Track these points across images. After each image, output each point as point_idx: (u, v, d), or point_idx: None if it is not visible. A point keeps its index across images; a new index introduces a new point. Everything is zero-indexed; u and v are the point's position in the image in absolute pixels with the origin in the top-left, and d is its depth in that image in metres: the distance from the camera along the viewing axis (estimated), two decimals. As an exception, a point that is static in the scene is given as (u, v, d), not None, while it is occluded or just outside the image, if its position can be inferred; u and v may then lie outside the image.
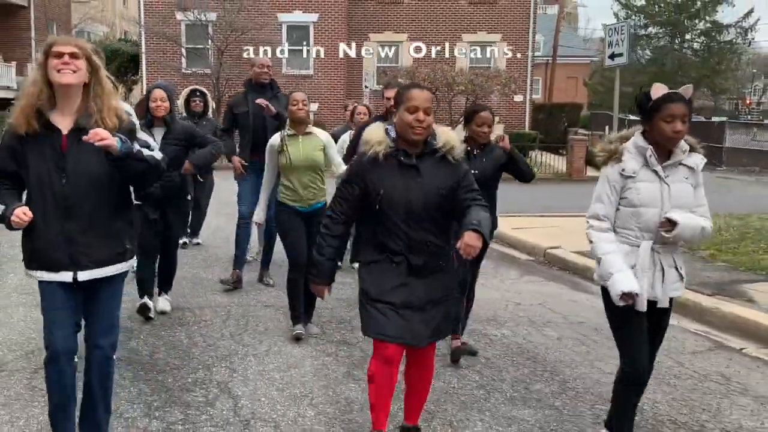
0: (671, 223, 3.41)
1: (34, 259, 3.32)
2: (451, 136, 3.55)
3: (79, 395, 3.49)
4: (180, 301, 6.45)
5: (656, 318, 3.59)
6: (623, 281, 3.39)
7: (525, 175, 5.44)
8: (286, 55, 25.25)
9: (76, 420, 3.49)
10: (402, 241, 3.49)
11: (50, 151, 3.24)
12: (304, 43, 25.76)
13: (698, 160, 3.54)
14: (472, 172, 4.51)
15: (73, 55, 3.20)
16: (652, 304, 3.52)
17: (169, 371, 4.83)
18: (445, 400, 4.49)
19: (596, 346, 5.70)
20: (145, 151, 3.32)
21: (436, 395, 4.45)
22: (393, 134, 3.52)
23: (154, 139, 5.13)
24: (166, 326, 5.80)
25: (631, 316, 3.50)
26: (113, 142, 3.08)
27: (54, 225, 3.24)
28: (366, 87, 22.41)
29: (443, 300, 3.60)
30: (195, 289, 7.00)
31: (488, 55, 27.31)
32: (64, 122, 3.27)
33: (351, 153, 6.03)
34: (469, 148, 5.05)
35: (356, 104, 8.58)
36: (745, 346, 5.92)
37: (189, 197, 6.19)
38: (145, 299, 5.91)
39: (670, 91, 3.42)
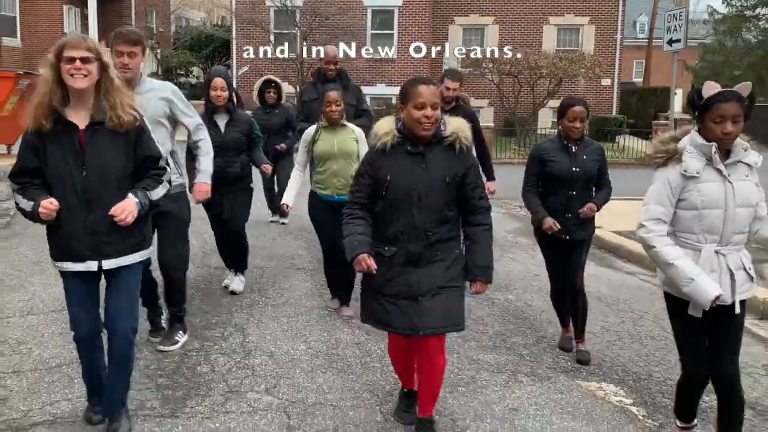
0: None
1: (60, 251, 3.52)
2: (459, 125, 3.62)
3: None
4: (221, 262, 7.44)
5: (726, 321, 3.50)
6: (711, 287, 3.31)
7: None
8: (370, 39, 26.17)
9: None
10: (404, 228, 3.56)
11: (69, 147, 3.40)
12: (389, 27, 26.57)
13: (756, 158, 3.46)
14: (574, 170, 4.89)
15: (84, 60, 3.36)
16: (720, 308, 3.43)
17: (199, 314, 5.76)
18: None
19: (591, 312, 6.27)
20: (157, 192, 3.60)
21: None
22: (400, 125, 3.61)
23: (216, 125, 5.90)
24: (207, 280, 6.76)
25: (694, 321, 3.48)
26: (132, 217, 3.42)
27: (77, 217, 3.43)
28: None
29: (443, 291, 3.59)
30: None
31: (576, 38, 27.39)
32: (79, 118, 3.43)
33: None
34: (566, 143, 5.00)
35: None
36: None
37: (251, 184, 6.41)
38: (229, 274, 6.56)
39: (724, 89, 3.34)
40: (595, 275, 7.68)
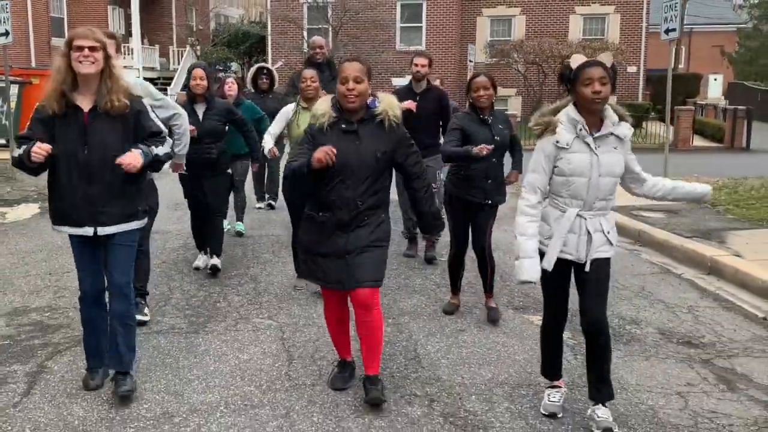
0: None
1: (59, 217, 4.03)
2: (390, 102, 3.95)
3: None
4: (251, 231, 8.72)
5: (584, 276, 3.82)
6: (523, 272, 3.75)
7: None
8: (399, 33, 27.36)
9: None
10: (337, 197, 3.89)
11: (75, 127, 3.87)
12: (417, 20, 27.68)
13: (626, 130, 3.74)
14: (495, 139, 5.34)
15: (92, 48, 3.79)
16: (578, 265, 3.84)
17: (223, 271, 6.99)
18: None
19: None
20: (161, 149, 4.00)
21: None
22: (335, 103, 3.97)
23: (195, 113, 6.33)
24: (230, 245, 8.03)
25: (551, 276, 3.87)
26: (138, 163, 3.84)
27: (78, 189, 3.91)
28: (470, 61, 24.02)
29: (369, 248, 3.94)
30: (260, 223, 9.27)
31: (602, 27, 28.18)
32: (84, 102, 3.89)
33: None
34: (481, 116, 5.47)
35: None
36: (685, 272, 7.41)
37: (229, 171, 6.87)
38: (199, 255, 7.11)
39: (590, 59, 3.69)
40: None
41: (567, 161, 3.69)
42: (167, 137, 4.14)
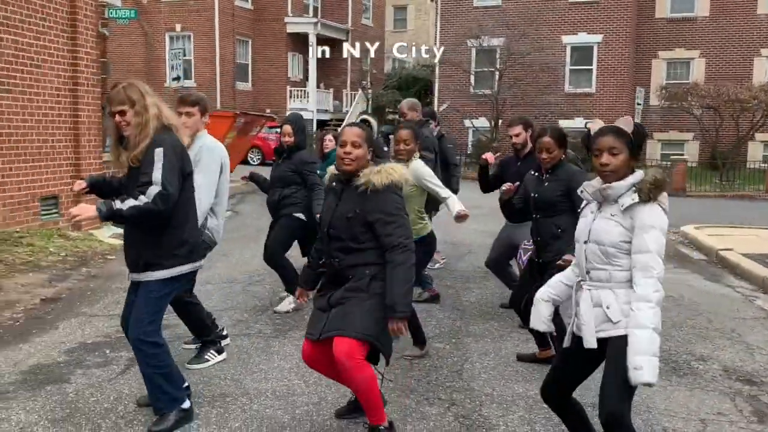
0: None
1: None
2: (371, 175, 3.98)
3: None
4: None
5: (583, 358, 3.60)
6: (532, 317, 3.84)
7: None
8: (568, 75, 27.62)
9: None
10: (324, 252, 4.19)
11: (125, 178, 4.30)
12: (587, 63, 27.77)
13: (625, 200, 3.43)
14: (533, 195, 5.31)
15: (120, 113, 4.07)
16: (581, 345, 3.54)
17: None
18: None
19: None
20: (127, 203, 3.93)
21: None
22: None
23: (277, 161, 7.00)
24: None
25: (562, 350, 3.79)
26: (85, 214, 3.99)
27: (125, 237, 4.34)
28: (638, 104, 23.80)
29: (343, 299, 3.98)
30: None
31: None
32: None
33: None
34: (537, 175, 5.46)
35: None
36: None
37: (298, 214, 7.00)
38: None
39: (605, 125, 3.56)
40: (692, 286, 8.76)
41: (577, 226, 3.69)
42: (149, 187, 4.01)
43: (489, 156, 6.02)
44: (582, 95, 27.37)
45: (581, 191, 3.61)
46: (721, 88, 24.35)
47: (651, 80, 28.24)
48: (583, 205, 3.68)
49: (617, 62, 27.48)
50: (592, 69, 27.83)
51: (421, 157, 6.09)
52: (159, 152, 4.01)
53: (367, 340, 3.91)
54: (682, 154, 26.01)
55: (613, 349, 3.38)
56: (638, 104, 24.00)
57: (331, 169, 4.30)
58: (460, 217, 5.80)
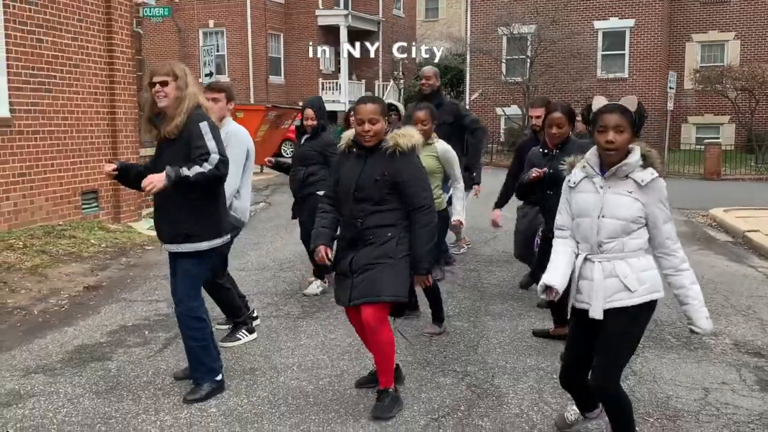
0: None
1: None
2: (398, 138, 4.29)
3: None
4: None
5: (595, 330, 3.65)
6: (545, 275, 3.71)
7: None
8: (600, 61, 27.59)
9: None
10: (345, 216, 4.40)
11: (157, 152, 4.58)
12: (620, 48, 27.71)
13: (645, 175, 3.53)
14: (548, 171, 5.19)
15: (162, 83, 4.31)
16: (589, 318, 3.63)
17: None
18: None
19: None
20: (192, 171, 4.23)
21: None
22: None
23: (299, 141, 7.27)
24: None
25: (575, 325, 3.82)
26: (159, 183, 4.16)
27: (156, 208, 4.63)
28: (670, 88, 23.72)
29: (369, 267, 4.24)
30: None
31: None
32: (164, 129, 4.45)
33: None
34: (545, 151, 5.55)
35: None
36: None
37: (319, 192, 6.74)
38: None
39: (609, 102, 3.59)
40: (714, 266, 8.95)
41: (575, 201, 3.70)
42: (209, 156, 4.34)
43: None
44: (614, 80, 27.29)
45: (584, 165, 3.67)
46: (756, 69, 24.16)
47: (685, 64, 28.04)
48: (575, 179, 3.70)
49: (650, 46, 27.35)
50: (624, 54, 27.73)
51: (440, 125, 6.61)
52: (204, 125, 4.37)
53: (399, 301, 4.31)
54: (718, 138, 25.89)
55: (616, 324, 3.56)
56: (670, 88, 23.90)
57: (348, 134, 4.52)
58: (454, 225, 6.35)
